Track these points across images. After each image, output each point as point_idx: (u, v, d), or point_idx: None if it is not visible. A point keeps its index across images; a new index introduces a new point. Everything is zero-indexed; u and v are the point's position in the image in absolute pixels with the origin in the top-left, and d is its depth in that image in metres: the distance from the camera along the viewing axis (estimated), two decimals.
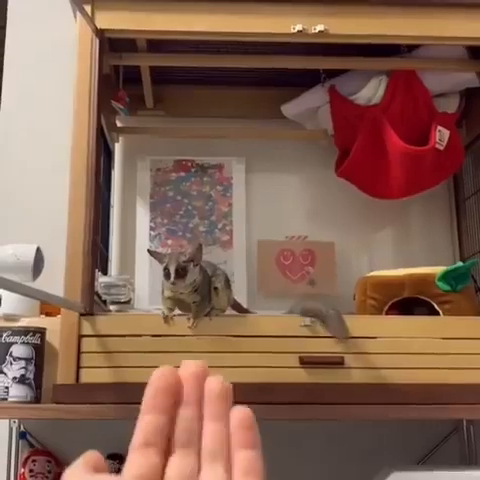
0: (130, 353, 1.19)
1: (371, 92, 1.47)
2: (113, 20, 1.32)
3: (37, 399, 1.20)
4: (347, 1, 1.32)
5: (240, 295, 1.61)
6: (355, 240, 1.69)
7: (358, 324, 1.23)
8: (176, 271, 1.16)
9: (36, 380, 1.20)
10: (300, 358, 1.18)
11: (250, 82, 1.67)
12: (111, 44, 1.42)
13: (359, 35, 1.33)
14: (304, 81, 1.58)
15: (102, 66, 1.33)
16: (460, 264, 1.36)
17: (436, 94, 1.51)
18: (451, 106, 1.53)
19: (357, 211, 1.68)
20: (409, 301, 1.36)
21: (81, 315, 1.18)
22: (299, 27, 1.31)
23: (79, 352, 1.17)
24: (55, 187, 1.47)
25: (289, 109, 1.60)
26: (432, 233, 1.70)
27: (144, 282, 1.59)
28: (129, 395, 1.09)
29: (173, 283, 1.17)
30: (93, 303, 1.22)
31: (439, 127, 1.44)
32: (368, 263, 1.67)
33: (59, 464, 1.45)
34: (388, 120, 1.43)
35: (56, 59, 1.67)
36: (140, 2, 1.30)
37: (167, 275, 1.18)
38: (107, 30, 1.32)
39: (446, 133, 1.45)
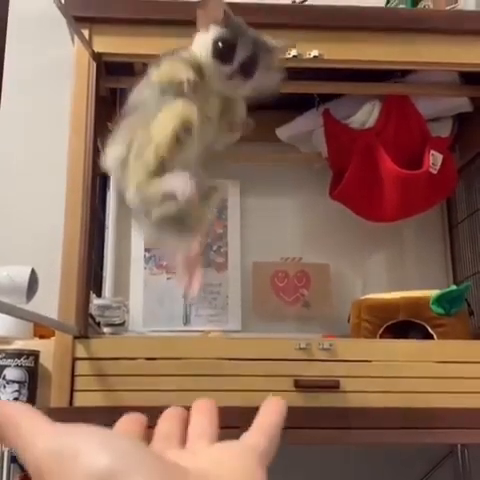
0: (124, 376, 1.19)
1: (365, 116, 1.48)
2: (110, 44, 1.33)
3: None
4: (342, 27, 1.34)
5: (234, 317, 1.61)
6: (349, 262, 1.69)
7: (353, 347, 1.23)
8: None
9: (29, 403, 1.19)
10: (295, 381, 1.18)
11: (246, 105, 1.68)
12: (108, 67, 1.43)
13: (353, 60, 1.35)
14: (299, 105, 1.60)
15: (99, 89, 1.34)
16: (454, 288, 1.37)
17: (429, 118, 1.53)
18: (444, 130, 1.55)
19: (351, 233, 1.68)
20: (403, 324, 1.36)
21: (75, 338, 1.18)
22: (294, 52, 1.32)
23: (73, 375, 1.16)
24: (50, 209, 1.47)
25: (284, 132, 1.62)
26: (426, 256, 1.71)
27: (138, 304, 1.59)
28: None
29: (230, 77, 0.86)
30: (87, 325, 1.22)
31: (432, 151, 1.46)
32: (362, 285, 1.67)
33: None
34: (382, 144, 1.45)
35: (53, 80, 1.67)
36: (137, 27, 1.32)
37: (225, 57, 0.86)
38: (104, 54, 1.34)
39: (439, 157, 1.47)
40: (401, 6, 1.62)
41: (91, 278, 1.27)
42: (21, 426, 0.36)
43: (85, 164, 1.26)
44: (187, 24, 1.32)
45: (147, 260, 1.64)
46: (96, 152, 1.38)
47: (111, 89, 1.54)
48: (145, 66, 1.46)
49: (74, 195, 1.24)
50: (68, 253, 1.21)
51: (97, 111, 1.31)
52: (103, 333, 1.44)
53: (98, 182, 1.55)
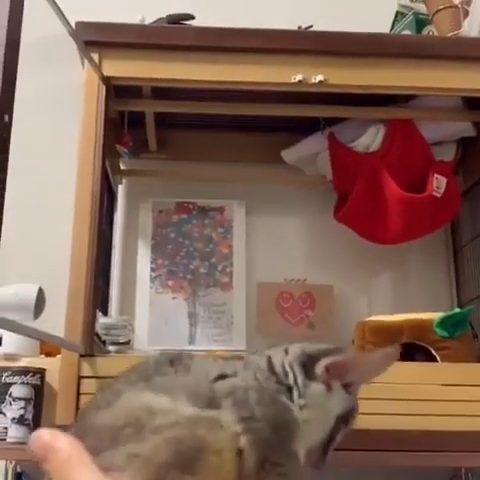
0: None
1: (369, 140, 1.50)
2: (119, 68, 1.36)
3: None
4: (347, 53, 1.37)
5: (239, 337, 1.62)
6: (354, 284, 1.70)
7: None
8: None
9: (35, 421, 1.20)
10: None
11: (252, 127, 1.71)
12: (117, 90, 1.46)
13: (358, 85, 1.37)
14: (304, 128, 1.62)
15: (108, 111, 1.37)
16: (457, 310, 1.37)
17: (433, 142, 1.55)
18: (448, 154, 1.56)
19: (356, 255, 1.70)
20: (408, 346, 1.36)
21: (81, 356, 1.19)
22: (299, 77, 1.35)
23: (78, 393, 1.17)
24: (58, 228, 1.49)
25: (289, 154, 1.64)
26: (430, 278, 1.72)
27: (144, 323, 1.60)
28: None
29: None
30: (93, 344, 1.23)
31: (436, 175, 1.48)
32: (367, 307, 1.68)
33: None
34: (386, 167, 1.46)
35: (63, 103, 1.70)
36: (146, 52, 1.35)
37: None
38: (113, 77, 1.36)
39: (443, 181, 1.48)
40: (405, 32, 1.65)
41: (98, 297, 1.29)
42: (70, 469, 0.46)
43: (93, 185, 1.28)
44: (194, 49, 1.36)
45: (153, 279, 1.66)
46: (104, 173, 1.41)
47: (120, 111, 1.57)
48: (153, 89, 1.50)
49: (82, 216, 1.26)
50: (75, 272, 1.23)
51: (106, 133, 1.34)
52: (108, 351, 1.45)
53: (106, 203, 1.57)
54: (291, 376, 0.64)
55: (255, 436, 0.55)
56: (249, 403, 0.58)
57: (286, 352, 0.68)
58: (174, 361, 0.63)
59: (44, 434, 0.48)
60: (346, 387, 0.67)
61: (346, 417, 0.67)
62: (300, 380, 0.64)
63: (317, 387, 0.65)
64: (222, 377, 0.62)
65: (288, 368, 0.65)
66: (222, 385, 0.60)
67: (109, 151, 1.51)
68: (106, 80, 1.36)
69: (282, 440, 0.59)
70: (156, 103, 1.52)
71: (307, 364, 0.66)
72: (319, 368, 0.65)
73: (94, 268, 1.24)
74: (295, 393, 0.63)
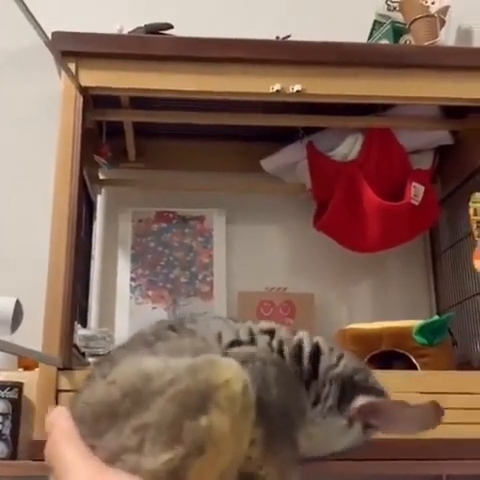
0: None
1: (347, 149, 1.51)
2: (97, 78, 1.35)
3: (13, 455, 1.18)
4: (325, 63, 1.37)
5: None
6: (334, 292, 1.71)
7: None
8: None
9: (12, 436, 1.18)
10: None
11: (232, 137, 1.71)
12: (94, 100, 1.45)
13: (335, 95, 1.38)
14: (283, 137, 1.63)
15: (85, 121, 1.36)
16: (436, 318, 1.38)
17: (411, 151, 1.56)
18: (425, 162, 1.58)
19: (336, 263, 1.70)
20: (387, 354, 1.37)
21: (59, 369, 1.18)
22: (277, 87, 1.35)
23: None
24: (35, 240, 1.47)
25: (268, 164, 1.64)
26: (409, 286, 1.72)
27: (124, 334, 1.59)
28: None
29: None
30: (71, 357, 1.21)
31: (414, 183, 1.49)
32: (347, 315, 1.68)
33: None
34: (364, 176, 1.47)
35: (40, 114, 1.69)
36: (123, 61, 1.34)
37: None
38: (91, 88, 1.36)
39: (421, 189, 1.49)
40: (383, 41, 1.66)
41: (76, 309, 1.28)
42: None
43: (71, 195, 1.27)
44: (172, 59, 1.36)
45: (133, 290, 1.65)
46: (82, 183, 1.40)
47: (97, 121, 1.56)
48: (131, 99, 1.50)
49: (59, 226, 1.25)
50: (53, 284, 1.21)
51: (83, 143, 1.33)
52: (88, 363, 1.43)
53: (84, 213, 1.56)
54: (325, 390, 0.60)
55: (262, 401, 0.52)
56: (266, 380, 0.55)
57: (338, 359, 0.62)
58: (175, 326, 0.59)
59: (53, 412, 0.52)
60: (366, 427, 0.62)
61: (346, 451, 0.64)
62: (330, 402, 0.60)
63: (340, 421, 0.61)
64: (237, 343, 0.58)
65: (328, 380, 0.60)
66: (236, 353, 0.55)
67: (87, 161, 1.50)
68: (83, 90, 1.35)
69: (286, 426, 0.56)
70: (134, 113, 1.52)
71: (347, 390, 0.60)
72: (353, 409, 0.60)
73: (72, 279, 1.23)
74: (318, 407, 0.60)
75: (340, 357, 0.63)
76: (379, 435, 1.16)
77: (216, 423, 0.46)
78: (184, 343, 0.56)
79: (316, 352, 0.62)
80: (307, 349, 0.61)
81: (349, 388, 0.61)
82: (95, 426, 0.49)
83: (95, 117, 1.50)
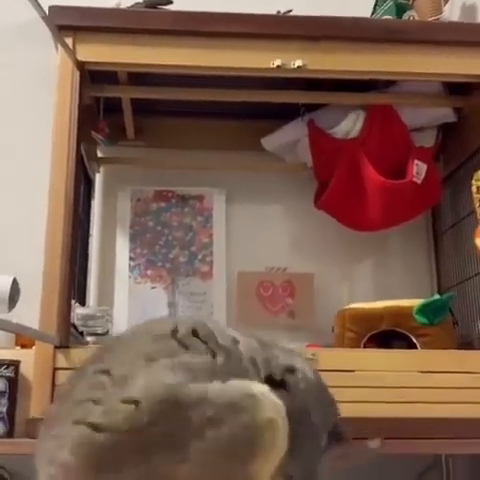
0: None
1: (349, 126, 1.49)
2: (94, 53, 1.33)
3: (10, 433, 1.17)
4: (325, 38, 1.35)
5: None
6: (334, 271, 1.69)
7: (336, 357, 1.22)
8: None
9: (9, 414, 1.18)
10: None
11: (231, 114, 1.69)
12: (92, 75, 1.43)
13: (337, 70, 1.36)
14: (284, 114, 1.60)
15: (82, 97, 1.34)
16: (437, 297, 1.37)
17: (413, 128, 1.54)
18: (428, 140, 1.55)
19: (336, 242, 1.68)
20: (387, 334, 1.36)
21: (56, 347, 1.17)
22: (278, 62, 1.33)
23: (53, 385, 1.15)
24: (32, 218, 1.45)
25: (269, 142, 1.62)
26: (411, 265, 1.71)
27: (123, 313, 1.58)
28: None
29: None
30: (69, 335, 1.21)
31: (416, 161, 1.47)
32: (347, 294, 1.67)
33: None
34: (365, 154, 1.45)
35: (37, 88, 1.67)
36: (121, 36, 1.32)
37: None
38: (88, 62, 1.34)
39: (423, 167, 1.47)
40: (386, 17, 1.63)
41: (73, 287, 1.27)
42: None
43: (68, 172, 1.25)
44: (171, 34, 1.34)
45: (132, 269, 1.63)
46: (80, 161, 1.38)
47: (95, 98, 1.54)
48: (129, 75, 1.47)
49: (57, 204, 1.24)
50: (50, 263, 1.20)
51: (80, 119, 1.31)
52: (86, 342, 1.42)
53: (82, 191, 1.55)
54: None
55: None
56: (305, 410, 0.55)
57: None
58: (201, 333, 0.53)
59: None
60: None
61: None
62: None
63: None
64: (291, 371, 0.57)
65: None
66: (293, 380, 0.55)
67: (85, 138, 1.48)
68: (80, 65, 1.33)
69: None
70: (132, 89, 1.49)
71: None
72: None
73: (69, 258, 1.22)
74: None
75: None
76: (380, 415, 1.16)
77: (263, 468, 0.45)
78: (217, 362, 0.50)
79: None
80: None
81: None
82: (113, 455, 0.41)
83: (92, 93, 1.47)
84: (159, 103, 1.63)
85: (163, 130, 1.70)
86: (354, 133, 1.49)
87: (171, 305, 1.62)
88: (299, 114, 1.57)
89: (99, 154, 1.67)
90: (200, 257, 1.67)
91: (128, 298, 1.60)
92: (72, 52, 1.31)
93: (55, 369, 1.16)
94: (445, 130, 1.60)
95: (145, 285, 1.62)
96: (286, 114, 1.60)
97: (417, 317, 1.32)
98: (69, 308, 1.22)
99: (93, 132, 1.51)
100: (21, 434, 1.16)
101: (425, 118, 1.55)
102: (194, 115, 1.69)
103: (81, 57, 1.32)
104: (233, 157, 1.70)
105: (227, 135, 1.70)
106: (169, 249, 1.66)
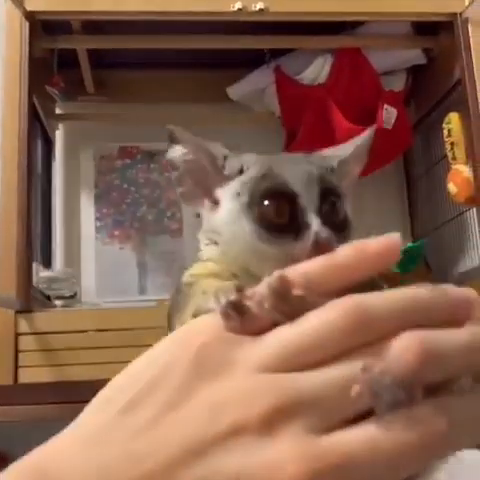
0: (73, 350, 1.14)
1: (316, 71, 1.43)
2: (44, 2, 1.26)
3: None
4: None
5: None
6: None
7: None
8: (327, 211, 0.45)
9: None
10: None
11: (195, 65, 1.62)
12: (44, 26, 1.35)
13: (300, 12, 1.30)
14: (250, 62, 1.54)
15: (33, 50, 1.27)
16: (410, 245, 1.34)
17: (382, 72, 1.49)
18: (398, 84, 1.50)
19: None
20: (359, 284, 1.33)
21: (17, 312, 1.13)
22: (239, 5, 1.27)
23: (17, 351, 1.12)
24: None
25: (235, 91, 1.56)
26: (384, 213, 1.67)
27: (91, 275, 1.54)
28: (72, 394, 1.04)
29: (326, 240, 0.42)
30: (30, 299, 1.16)
31: (386, 106, 1.42)
32: None
33: None
34: (333, 100, 1.40)
35: None
36: None
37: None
38: (38, 12, 1.26)
39: (393, 112, 1.42)
40: None
41: (32, 249, 1.22)
42: None
43: (20, 130, 1.19)
44: None
45: (98, 229, 1.58)
46: (34, 117, 1.32)
47: (50, 50, 1.46)
48: (83, 25, 1.40)
49: (10, 163, 1.18)
50: (5, 224, 1.15)
51: (32, 73, 1.24)
52: (55, 306, 1.38)
53: (41, 150, 1.49)
54: None
55: None
56: None
57: None
58: None
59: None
60: None
61: None
62: None
63: None
64: None
65: None
66: None
67: (40, 94, 1.41)
68: (30, 15, 1.25)
69: None
70: (87, 39, 1.42)
71: None
72: None
73: (26, 219, 1.16)
74: None
75: None
76: None
77: None
78: None
79: None
80: None
81: None
82: None
83: (45, 45, 1.39)
84: (119, 55, 1.56)
85: (125, 84, 1.63)
86: (321, 78, 1.43)
87: (140, 265, 1.57)
88: (265, 61, 1.50)
89: (58, 111, 1.60)
90: (169, 214, 1.62)
91: (95, 260, 1.55)
92: (20, 2, 1.23)
93: (17, 335, 1.12)
94: (415, 73, 1.55)
95: (113, 246, 1.58)
96: (252, 62, 1.54)
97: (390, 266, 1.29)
98: (29, 271, 1.17)
99: (47, 87, 1.44)
100: None
101: (394, 61, 1.50)
102: (157, 67, 1.62)
103: (30, 7, 1.25)
104: (199, 109, 1.64)
105: (192, 87, 1.63)
106: (136, 207, 1.61)
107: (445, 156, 1.38)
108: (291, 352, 0.29)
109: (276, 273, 0.30)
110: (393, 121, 1.41)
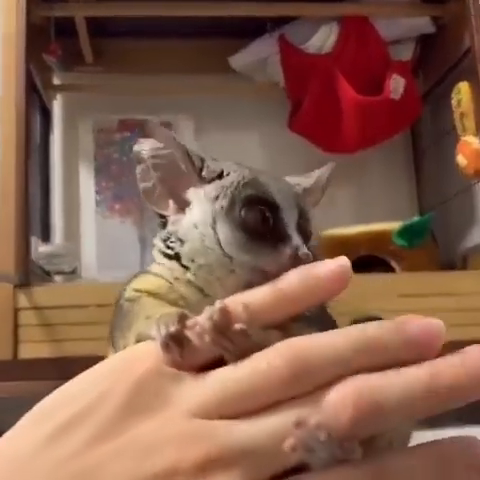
0: (73, 325, 1.12)
1: (322, 40, 1.39)
2: None
3: None
4: None
5: None
6: None
7: None
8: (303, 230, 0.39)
9: None
10: None
11: (196, 34, 1.57)
12: None
13: None
14: (252, 31, 1.49)
15: (30, 17, 1.23)
16: (417, 219, 1.31)
17: (390, 41, 1.44)
18: (406, 53, 1.46)
19: (313, 167, 1.59)
20: (366, 259, 1.31)
21: (16, 287, 1.10)
22: None
23: (16, 326, 1.09)
24: None
25: (237, 60, 1.51)
26: (391, 186, 1.64)
27: (91, 250, 1.51)
28: (72, 370, 1.03)
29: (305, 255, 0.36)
30: (29, 273, 1.14)
31: (394, 75, 1.38)
32: (326, 220, 1.60)
33: None
34: (340, 69, 1.36)
35: None
36: None
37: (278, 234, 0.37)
38: None
39: (401, 82, 1.38)
40: None
41: (29, 223, 1.19)
42: None
43: (17, 101, 1.16)
44: None
45: (98, 203, 1.55)
46: (32, 88, 1.28)
47: (47, 18, 1.42)
48: None
49: (7, 134, 1.14)
50: (2, 198, 1.12)
51: (29, 41, 1.20)
52: (54, 282, 1.36)
53: (39, 122, 1.45)
54: None
55: None
56: None
57: None
58: None
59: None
60: None
61: None
62: None
63: None
64: None
65: None
66: None
67: (38, 64, 1.37)
68: None
69: None
70: (85, 6, 1.37)
71: None
72: None
73: (24, 192, 1.13)
74: None
75: None
76: None
77: None
78: None
79: None
80: None
81: None
82: None
83: (42, 12, 1.35)
84: (118, 23, 1.51)
85: (125, 53, 1.59)
86: (327, 48, 1.40)
87: (141, 239, 1.55)
88: (267, 30, 1.46)
89: (55, 81, 1.56)
90: None
91: (96, 234, 1.53)
92: None
93: (16, 310, 1.09)
94: (423, 42, 1.50)
95: (113, 220, 1.55)
96: (254, 31, 1.49)
97: (397, 240, 1.27)
98: (27, 245, 1.14)
99: (45, 54, 1.40)
100: None
101: (402, 29, 1.46)
102: (157, 36, 1.57)
103: None
104: (200, 80, 1.59)
105: (193, 56, 1.59)
106: (136, 181, 1.57)
107: (454, 127, 1.35)
108: (229, 397, 0.28)
109: (218, 304, 0.29)
110: (401, 91, 1.37)
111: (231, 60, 1.51)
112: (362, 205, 1.64)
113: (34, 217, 1.33)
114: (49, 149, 1.53)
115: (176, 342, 0.30)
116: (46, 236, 1.45)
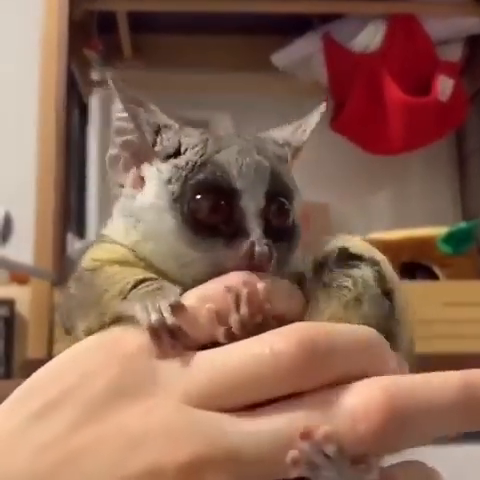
0: None
1: (368, 39, 1.36)
2: None
3: (8, 374, 1.12)
4: None
5: None
6: (351, 200, 1.59)
7: None
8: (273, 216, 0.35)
9: (6, 354, 1.12)
10: None
11: (239, 29, 1.55)
12: None
13: None
14: (296, 28, 1.47)
15: (73, 11, 1.22)
16: (463, 225, 1.28)
17: (438, 41, 1.41)
18: (454, 54, 1.43)
19: (353, 169, 1.57)
20: (408, 265, 1.27)
21: (54, 284, 1.09)
22: None
23: (52, 324, 1.08)
24: (22, 146, 1.34)
25: (280, 58, 1.48)
26: (433, 191, 1.61)
27: None
28: None
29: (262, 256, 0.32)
30: (66, 271, 1.12)
31: (442, 76, 1.35)
32: (365, 225, 1.57)
33: None
34: (386, 69, 1.34)
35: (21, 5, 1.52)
36: None
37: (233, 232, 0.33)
38: None
39: (449, 83, 1.35)
40: None
41: (69, 219, 1.18)
42: None
43: (57, 96, 1.15)
44: None
45: None
46: (72, 83, 1.27)
47: (88, 13, 1.40)
48: None
49: (46, 130, 1.14)
50: (42, 193, 1.11)
51: (71, 35, 1.19)
52: None
53: (77, 115, 1.44)
54: None
55: None
56: None
57: None
58: None
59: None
60: None
61: None
62: None
63: None
64: None
65: None
66: None
67: (77, 59, 1.36)
68: None
69: None
70: (127, 1, 1.36)
71: None
72: None
73: (63, 187, 1.12)
74: None
75: None
76: None
77: None
78: None
79: None
80: None
81: None
82: None
83: (84, 7, 1.33)
84: (158, 18, 1.50)
85: (163, 49, 1.57)
86: (374, 46, 1.36)
87: None
88: (312, 27, 1.43)
89: (94, 77, 1.55)
90: None
91: None
92: None
93: (53, 307, 1.08)
94: (472, 43, 1.46)
95: None
96: (298, 28, 1.46)
97: (442, 246, 1.23)
98: (64, 242, 1.13)
99: (86, 50, 1.39)
100: (19, 375, 1.11)
101: (451, 29, 1.42)
102: (198, 31, 1.55)
103: None
104: (241, 77, 1.57)
105: (234, 53, 1.57)
106: None
107: None
108: (222, 385, 0.25)
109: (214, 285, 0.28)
110: (449, 93, 1.33)
111: (274, 58, 1.48)
112: (402, 208, 1.61)
113: (70, 213, 1.32)
114: (85, 144, 1.51)
115: (170, 334, 0.27)
116: (81, 232, 1.44)
